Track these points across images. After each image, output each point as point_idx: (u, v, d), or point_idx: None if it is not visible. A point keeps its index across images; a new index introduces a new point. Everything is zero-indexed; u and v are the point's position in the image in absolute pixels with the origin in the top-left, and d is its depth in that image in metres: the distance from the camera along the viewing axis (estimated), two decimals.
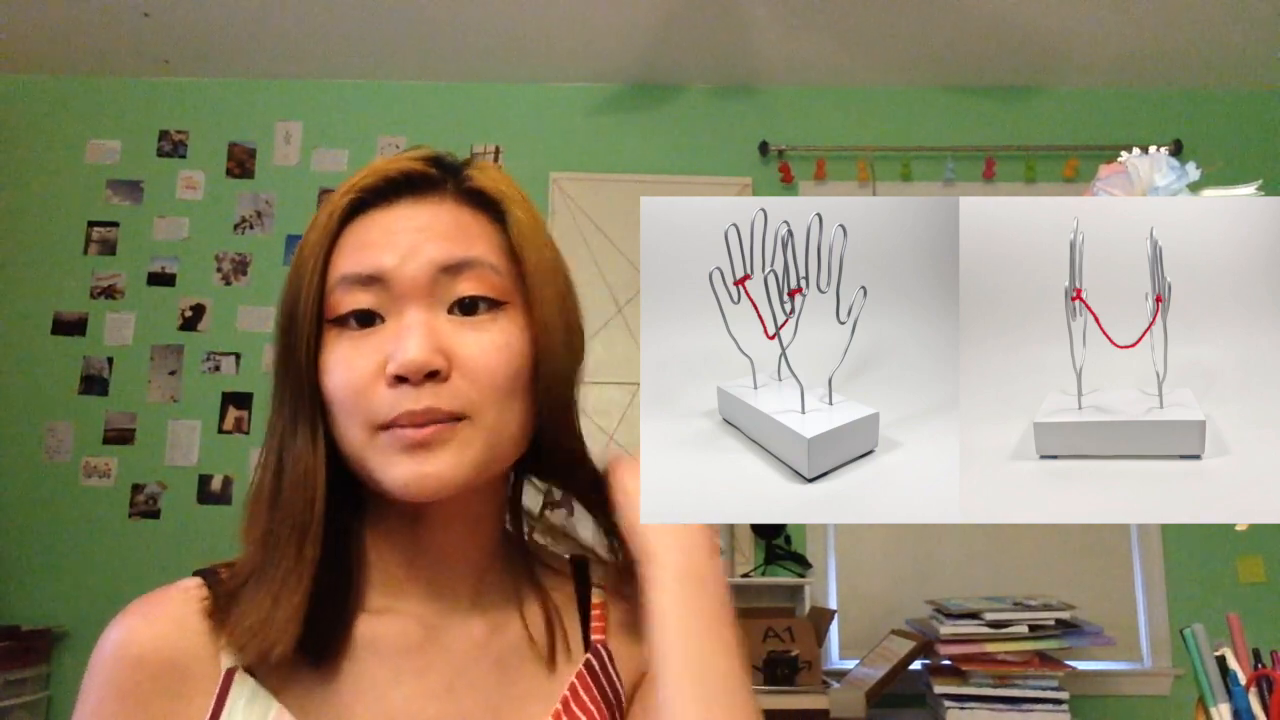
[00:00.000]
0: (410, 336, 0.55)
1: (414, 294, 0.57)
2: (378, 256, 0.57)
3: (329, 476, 0.58)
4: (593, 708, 0.62)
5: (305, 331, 0.57)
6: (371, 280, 0.57)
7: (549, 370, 0.60)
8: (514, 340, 0.59)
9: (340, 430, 0.57)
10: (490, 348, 0.57)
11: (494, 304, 0.59)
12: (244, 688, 0.56)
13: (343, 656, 0.58)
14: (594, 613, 0.67)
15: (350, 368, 0.56)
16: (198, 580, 0.60)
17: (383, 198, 0.60)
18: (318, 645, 0.57)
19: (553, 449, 0.63)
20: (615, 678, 0.65)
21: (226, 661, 0.57)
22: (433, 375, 0.55)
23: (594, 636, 0.66)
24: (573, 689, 0.62)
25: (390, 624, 0.60)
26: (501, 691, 0.61)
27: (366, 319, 0.57)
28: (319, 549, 0.57)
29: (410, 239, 0.58)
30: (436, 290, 0.57)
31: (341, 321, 0.57)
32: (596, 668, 0.64)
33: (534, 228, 0.62)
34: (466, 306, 0.58)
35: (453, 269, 0.58)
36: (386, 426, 0.55)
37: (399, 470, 0.55)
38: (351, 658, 0.58)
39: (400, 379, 0.55)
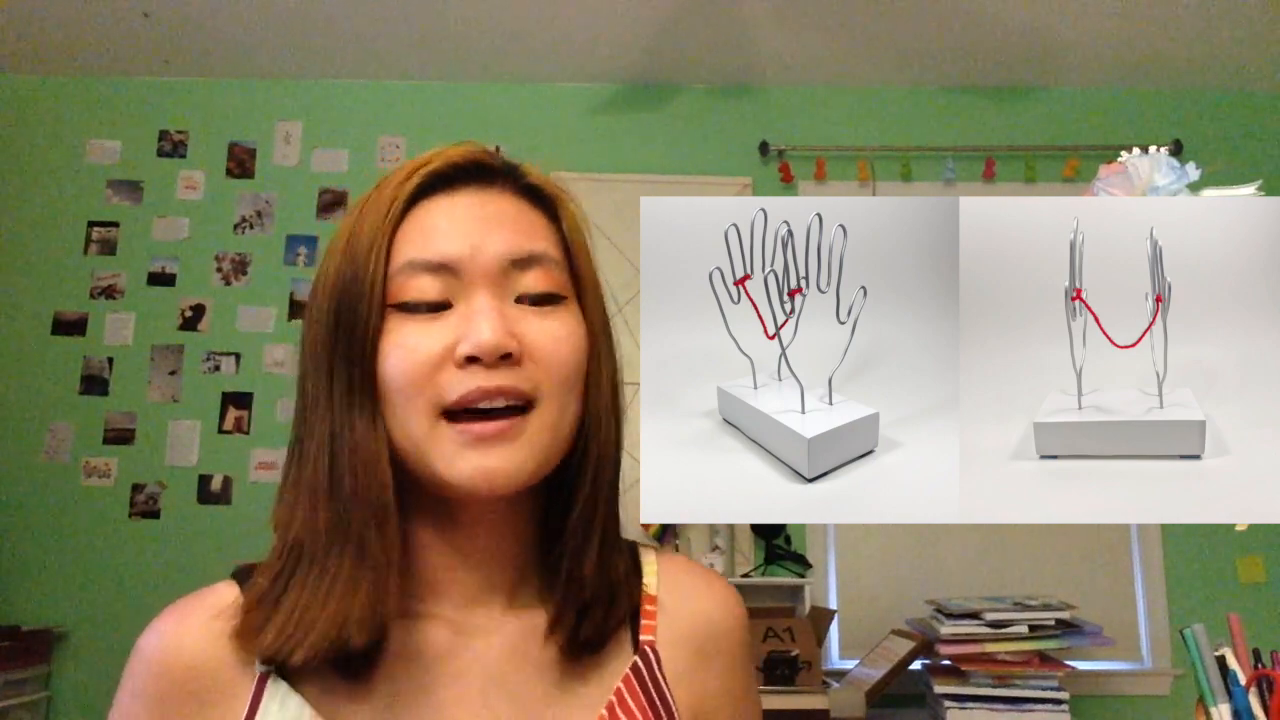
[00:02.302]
0: (483, 319, 0.55)
1: (483, 281, 0.57)
2: (447, 244, 0.57)
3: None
4: (639, 715, 0.59)
5: (368, 316, 0.56)
6: (441, 267, 0.56)
7: (598, 367, 0.61)
8: (575, 332, 0.59)
9: (399, 418, 0.55)
10: (559, 335, 0.58)
11: (556, 299, 0.59)
12: (277, 692, 0.55)
13: (376, 662, 0.57)
14: (645, 608, 0.64)
15: (416, 350, 0.55)
16: (232, 584, 0.60)
17: (446, 183, 0.60)
18: (354, 656, 0.55)
19: (585, 455, 0.60)
20: (664, 684, 0.61)
21: (260, 666, 0.56)
22: (505, 358, 0.55)
23: (643, 637, 0.62)
24: (619, 694, 0.59)
25: (425, 629, 0.59)
26: (540, 697, 0.59)
27: (434, 304, 0.56)
28: (399, 533, 0.55)
29: (479, 227, 0.58)
30: (505, 281, 0.57)
31: (404, 306, 0.56)
32: (644, 671, 0.61)
33: (584, 227, 0.64)
34: (532, 299, 0.58)
35: (522, 263, 0.58)
36: (453, 414, 0.55)
37: (465, 464, 0.54)
38: (385, 663, 0.57)
39: (471, 360, 0.54)
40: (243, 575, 0.60)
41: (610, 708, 0.58)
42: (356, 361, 0.56)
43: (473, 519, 0.60)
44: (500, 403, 0.55)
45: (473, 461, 0.54)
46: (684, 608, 0.65)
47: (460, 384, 0.54)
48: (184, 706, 0.56)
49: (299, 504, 0.57)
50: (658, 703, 0.60)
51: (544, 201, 0.63)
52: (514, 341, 0.55)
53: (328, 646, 0.53)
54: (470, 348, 0.54)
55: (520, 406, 0.56)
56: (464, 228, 0.57)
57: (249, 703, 0.55)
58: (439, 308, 0.56)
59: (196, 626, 0.57)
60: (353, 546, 0.55)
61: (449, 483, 0.55)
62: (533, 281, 0.58)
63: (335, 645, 0.53)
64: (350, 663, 0.56)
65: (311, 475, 0.57)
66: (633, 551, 0.67)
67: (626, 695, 0.59)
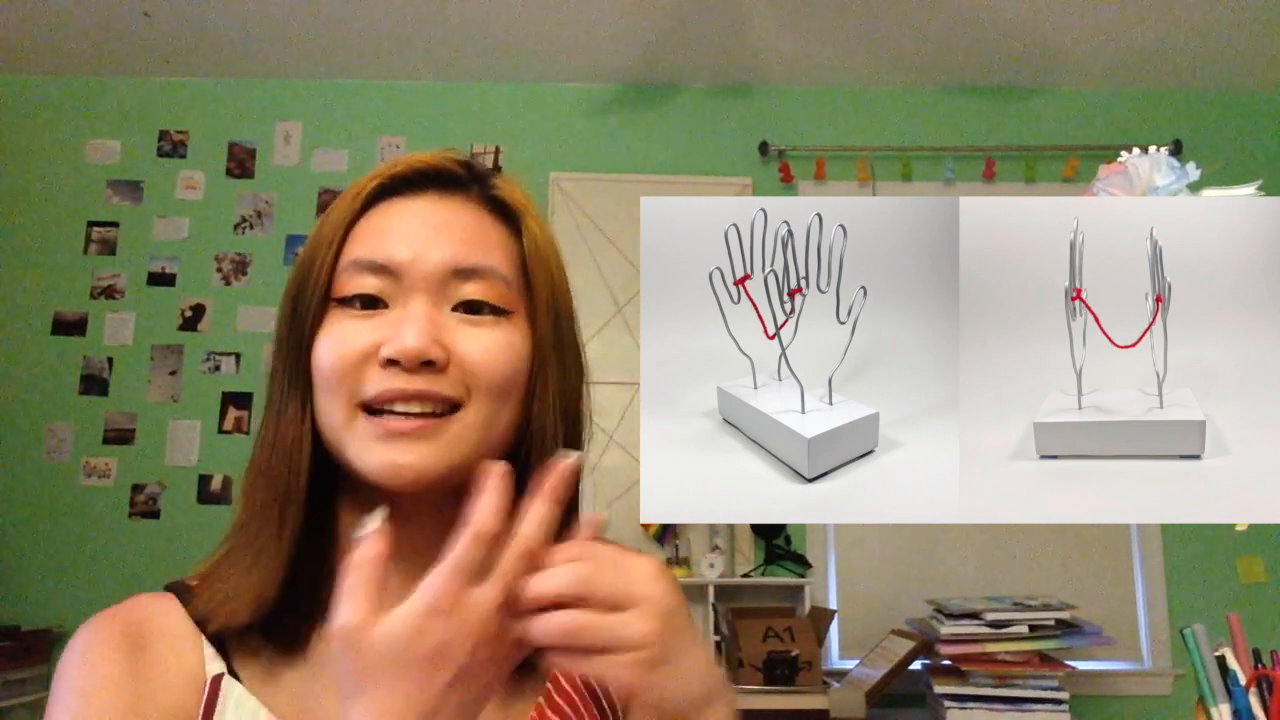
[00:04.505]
0: (411, 325, 0.56)
1: (422, 288, 0.58)
2: (392, 246, 0.58)
3: (317, 460, 0.58)
4: (575, 696, 0.62)
5: (310, 306, 0.58)
6: (381, 269, 0.58)
7: (543, 380, 0.61)
8: (516, 343, 0.59)
9: (323, 408, 0.57)
10: (491, 345, 0.58)
11: (498, 311, 0.60)
12: (231, 693, 0.56)
13: (323, 657, 0.58)
14: None
15: (343, 344, 0.57)
16: (166, 593, 0.61)
17: (409, 187, 0.61)
18: (293, 640, 0.57)
19: (528, 466, 0.60)
20: None
21: (212, 668, 0.57)
22: (428, 365, 0.55)
23: None
24: (554, 680, 0.62)
25: None
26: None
27: (370, 302, 0.58)
28: (300, 518, 0.57)
29: (427, 235, 0.59)
30: (445, 289, 0.58)
31: (346, 301, 0.58)
32: None
33: (547, 244, 0.64)
34: (471, 307, 0.59)
35: (464, 273, 0.59)
36: (370, 409, 0.56)
37: (375, 456, 0.55)
38: (318, 649, 0.58)
39: (392, 362, 0.55)
40: (177, 588, 0.61)
41: (547, 695, 0.61)
42: (297, 350, 0.59)
43: (404, 514, 0.59)
44: (416, 407, 0.56)
45: (384, 455, 0.55)
46: None
47: (378, 383, 0.56)
48: (130, 659, 0.55)
49: (247, 484, 0.60)
50: (592, 689, 0.63)
51: (508, 216, 0.63)
52: (439, 349, 0.56)
53: (223, 621, 0.55)
54: (392, 351, 0.55)
55: (442, 411, 0.56)
56: (412, 233, 0.59)
57: (204, 704, 0.55)
58: (375, 304, 0.58)
59: (132, 608, 0.59)
60: (264, 528, 0.57)
61: (361, 473, 0.56)
62: (473, 290, 0.59)
63: (228, 619, 0.55)
64: (289, 648, 0.57)
65: (252, 460, 0.60)
66: None
67: (562, 681, 0.62)
